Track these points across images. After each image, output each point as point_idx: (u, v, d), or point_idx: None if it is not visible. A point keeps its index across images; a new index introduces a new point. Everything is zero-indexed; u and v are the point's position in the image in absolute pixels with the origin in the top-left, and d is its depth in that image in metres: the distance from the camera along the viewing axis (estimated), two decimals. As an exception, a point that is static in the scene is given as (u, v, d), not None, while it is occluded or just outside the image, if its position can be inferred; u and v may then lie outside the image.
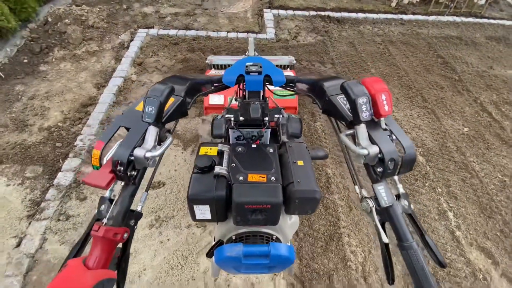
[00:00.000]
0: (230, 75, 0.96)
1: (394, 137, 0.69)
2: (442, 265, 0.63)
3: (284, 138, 1.06)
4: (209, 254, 0.85)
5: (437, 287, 0.57)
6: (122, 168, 0.61)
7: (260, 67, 0.95)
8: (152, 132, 0.66)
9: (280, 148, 0.90)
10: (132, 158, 0.63)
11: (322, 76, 0.92)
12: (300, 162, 0.82)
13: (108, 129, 0.71)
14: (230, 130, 1.00)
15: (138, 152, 0.63)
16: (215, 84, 0.99)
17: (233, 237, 0.82)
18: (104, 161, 0.65)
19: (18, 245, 1.76)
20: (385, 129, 0.69)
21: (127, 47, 3.33)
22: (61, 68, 3.03)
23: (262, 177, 0.77)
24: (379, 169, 0.66)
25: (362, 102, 0.65)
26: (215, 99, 1.89)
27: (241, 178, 0.76)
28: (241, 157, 0.83)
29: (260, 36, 3.67)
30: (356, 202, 2.05)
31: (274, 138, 1.15)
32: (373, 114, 0.68)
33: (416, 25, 4.19)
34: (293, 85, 1.01)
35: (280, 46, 3.52)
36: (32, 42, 3.21)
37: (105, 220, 0.61)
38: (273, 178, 0.77)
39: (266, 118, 0.94)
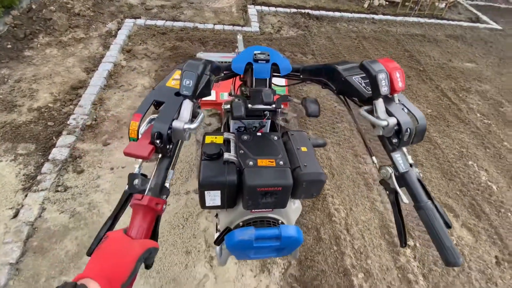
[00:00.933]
0: (239, 63, 0.97)
1: (406, 110, 0.74)
2: (448, 225, 0.68)
3: (282, 125, 1.11)
4: (218, 242, 0.88)
5: (452, 241, 0.63)
6: (161, 140, 0.62)
7: (268, 55, 0.97)
8: (188, 106, 0.67)
9: (283, 136, 0.94)
10: (170, 131, 0.64)
11: (332, 62, 0.97)
12: (303, 149, 0.87)
13: (143, 103, 0.71)
14: (231, 121, 1.03)
15: (177, 124, 0.63)
16: (224, 72, 1.00)
17: (241, 223, 0.84)
18: (140, 135, 0.65)
19: (15, 215, 1.77)
20: (398, 103, 0.74)
21: (115, 36, 3.37)
22: (47, 53, 3.01)
23: (271, 162, 0.80)
24: (395, 140, 0.72)
25: (382, 77, 0.69)
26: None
27: (251, 163, 0.78)
28: (248, 144, 0.86)
29: (246, 29, 3.86)
30: (338, 169, 2.28)
31: (272, 130, 1.19)
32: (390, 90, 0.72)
33: (386, 24, 4.61)
34: (298, 73, 1.04)
35: (265, 38, 3.74)
36: (15, 28, 3.15)
37: (146, 191, 0.62)
38: (281, 162, 0.80)
39: (274, 106, 0.96)
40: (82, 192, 1.92)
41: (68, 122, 2.31)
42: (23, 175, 1.99)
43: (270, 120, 1.05)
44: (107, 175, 2.03)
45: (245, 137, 0.88)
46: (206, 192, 0.75)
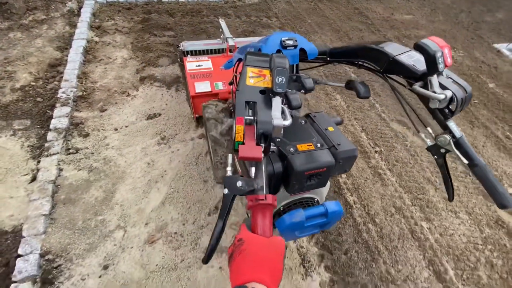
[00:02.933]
0: (269, 51, 0.96)
1: (453, 81, 0.80)
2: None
3: (295, 112, 1.13)
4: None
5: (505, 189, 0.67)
6: (266, 139, 0.65)
7: (295, 41, 0.98)
8: (279, 102, 0.70)
9: (307, 119, 0.98)
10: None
11: (364, 41, 0.95)
12: (330, 128, 0.90)
13: (238, 106, 0.72)
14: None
15: (278, 122, 0.66)
16: None
17: (281, 208, 0.87)
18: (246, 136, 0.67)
19: (33, 180, 1.88)
20: (448, 77, 0.79)
21: (78, 14, 3.32)
22: (11, 37, 2.90)
23: (310, 145, 0.82)
24: (446, 110, 0.78)
25: (439, 55, 0.73)
26: (202, 86, 1.86)
27: (291, 149, 0.80)
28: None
29: (209, -1, 4.01)
30: (315, 107, 2.68)
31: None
32: None
33: (335, -13, 5.04)
34: (325, 56, 1.05)
35: (230, 6, 3.93)
36: (-35, 13, 2.95)
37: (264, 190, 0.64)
38: (318, 144, 0.83)
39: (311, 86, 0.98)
40: (93, 151, 2.07)
41: (58, 96, 2.37)
42: (28, 146, 2.06)
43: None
44: (113, 135, 2.18)
45: None
46: None
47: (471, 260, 1.86)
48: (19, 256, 1.53)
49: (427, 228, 1.96)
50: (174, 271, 1.57)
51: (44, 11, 3.27)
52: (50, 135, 2.09)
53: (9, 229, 1.66)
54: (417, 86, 0.81)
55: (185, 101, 2.51)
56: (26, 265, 1.50)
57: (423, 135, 0.91)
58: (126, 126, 2.25)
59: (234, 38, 2.29)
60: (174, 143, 2.17)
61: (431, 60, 0.76)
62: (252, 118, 0.71)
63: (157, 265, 1.59)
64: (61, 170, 1.94)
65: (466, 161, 0.80)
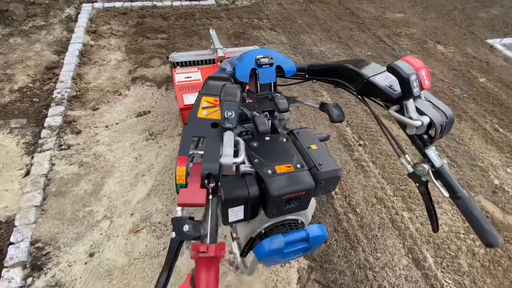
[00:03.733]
0: (243, 70, 0.92)
1: (432, 105, 0.74)
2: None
3: (280, 128, 1.10)
4: (244, 254, 0.86)
5: (491, 224, 0.61)
6: (213, 181, 0.59)
7: (271, 58, 0.93)
8: (231, 138, 0.63)
9: (290, 136, 0.93)
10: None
11: (342, 60, 0.91)
12: (313, 146, 0.85)
13: (183, 143, 0.67)
14: None
15: (227, 161, 0.60)
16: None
17: (263, 231, 0.82)
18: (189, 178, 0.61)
19: (27, 174, 1.98)
20: (425, 100, 0.74)
21: (76, 20, 3.47)
22: (11, 42, 3.05)
23: (289, 167, 0.77)
24: (426, 136, 0.72)
25: (413, 79, 0.68)
26: (190, 98, 1.81)
27: (269, 171, 0.75)
28: (260, 151, 0.83)
29: (203, 3, 4.13)
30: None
31: (272, 129, 1.17)
32: None
33: (328, -11, 5.13)
34: (303, 73, 1.02)
35: (222, 9, 4.05)
36: (-31, 21, 3.12)
37: (196, 241, 0.59)
38: (298, 165, 0.78)
39: (287, 107, 0.95)
40: (84, 147, 2.16)
41: (53, 96, 2.48)
42: (23, 143, 2.17)
43: (270, 120, 1.03)
44: (104, 132, 2.28)
45: (255, 144, 0.85)
46: (230, 209, 0.73)
47: (452, 248, 1.87)
48: (11, 243, 1.62)
49: (408, 217, 1.99)
50: (156, 258, 1.64)
51: (44, 18, 3.43)
52: (44, 133, 2.20)
53: (3, 219, 1.75)
54: (392, 111, 0.75)
55: (174, 99, 2.60)
56: (17, 252, 1.59)
57: (404, 161, 0.84)
58: (117, 124, 2.34)
59: (224, 48, 2.26)
60: (162, 139, 2.26)
61: (405, 84, 0.71)
62: (201, 154, 0.66)
63: (140, 252, 1.66)
64: (53, 165, 2.04)
65: (446, 194, 0.74)
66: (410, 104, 0.71)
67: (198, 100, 0.76)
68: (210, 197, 0.63)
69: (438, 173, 0.74)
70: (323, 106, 0.99)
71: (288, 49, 3.46)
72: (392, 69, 0.72)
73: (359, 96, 0.91)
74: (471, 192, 2.20)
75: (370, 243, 1.83)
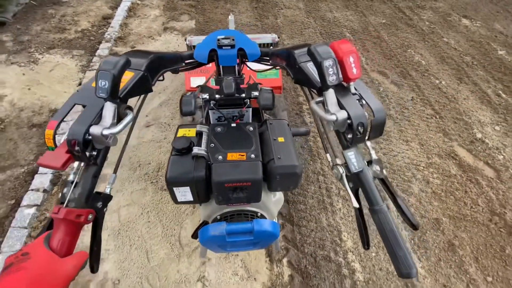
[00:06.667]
0: (201, 50, 0.88)
1: (364, 101, 0.66)
2: (414, 227, 0.63)
3: (266, 116, 1.07)
4: (194, 235, 0.86)
5: (406, 248, 0.57)
6: (78, 148, 0.57)
7: (233, 40, 0.87)
8: (109, 108, 0.62)
9: (261, 126, 0.89)
10: (89, 137, 0.59)
11: (295, 45, 0.85)
12: (280, 139, 0.81)
13: (61, 108, 0.65)
14: (210, 111, 0.98)
15: (95, 130, 0.59)
16: (186, 61, 0.92)
17: (218, 217, 0.82)
18: (62, 141, 0.60)
19: (79, 84, 2.69)
20: (355, 94, 0.66)
21: (129, -15, 4.21)
22: (80, -1, 3.90)
23: (242, 155, 0.75)
24: (349, 135, 0.64)
25: (328, 65, 0.61)
26: (197, 81, 1.81)
27: (220, 157, 0.74)
28: (221, 136, 0.82)
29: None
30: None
31: (257, 118, 1.13)
32: (342, 79, 0.64)
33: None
34: (268, 58, 0.94)
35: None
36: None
37: (66, 202, 0.59)
38: (252, 155, 0.76)
39: (243, 95, 0.92)
40: (120, 71, 2.82)
41: (104, 36, 3.20)
42: (80, 65, 2.90)
43: (251, 108, 1.00)
44: (136, 62, 2.91)
45: (219, 129, 0.84)
46: (175, 188, 0.73)
47: (406, 175, 2.09)
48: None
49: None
50: (158, 143, 2.19)
51: (105, -17, 4.23)
52: (95, 59, 2.91)
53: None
54: (313, 102, 0.66)
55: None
56: (67, 125, 2.27)
57: (329, 160, 0.76)
58: (146, 57, 2.96)
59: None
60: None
61: (319, 71, 0.63)
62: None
63: (148, 139, 2.22)
64: (98, 80, 2.72)
65: (355, 205, 0.66)
66: (329, 95, 0.64)
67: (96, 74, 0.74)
68: (82, 164, 0.63)
69: (357, 179, 0.66)
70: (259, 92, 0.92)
71: (303, 13, 3.77)
72: (309, 53, 0.64)
73: (300, 86, 0.84)
74: (446, 139, 2.34)
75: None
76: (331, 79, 0.62)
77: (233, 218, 0.82)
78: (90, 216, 0.60)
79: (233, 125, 0.87)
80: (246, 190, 0.74)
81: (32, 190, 1.87)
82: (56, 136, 0.61)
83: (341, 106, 0.63)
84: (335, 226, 1.77)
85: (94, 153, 0.62)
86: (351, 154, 0.66)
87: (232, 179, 0.71)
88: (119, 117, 0.63)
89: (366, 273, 1.59)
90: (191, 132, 0.82)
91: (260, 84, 0.95)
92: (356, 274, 1.58)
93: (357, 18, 3.74)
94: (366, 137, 0.64)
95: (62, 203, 0.60)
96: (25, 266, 0.44)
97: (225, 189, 0.72)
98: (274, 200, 0.89)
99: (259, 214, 0.84)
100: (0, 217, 1.78)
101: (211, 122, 1.03)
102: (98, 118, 0.61)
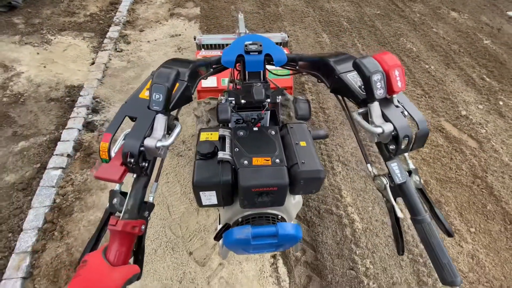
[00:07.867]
0: (229, 55, 0.89)
1: (406, 113, 0.67)
2: (449, 234, 0.63)
3: (283, 118, 1.06)
4: (217, 238, 0.87)
5: (450, 257, 0.57)
6: (133, 160, 0.59)
7: (260, 45, 0.88)
8: (161, 121, 0.64)
9: (281, 130, 0.89)
10: (143, 148, 0.61)
11: (327, 53, 0.84)
12: (302, 143, 0.82)
13: (113, 120, 0.66)
14: None
15: (149, 142, 0.61)
16: (213, 66, 0.94)
17: (240, 219, 0.83)
18: (113, 154, 0.62)
19: (92, 63, 2.82)
20: (397, 106, 0.66)
21: (134, -26, 4.33)
22: (86, -15, 4.00)
23: (267, 160, 0.76)
24: (392, 147, 0.64)
25: (377, 79, 0.62)
26: (208, 82, 1.79)
27: (245, 162, 0.75)
28: (244, 141, 0.83)
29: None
30: (302, 40, 3.25)
31: (273, 120, 1.13)
32: (387, 91, 0.64)
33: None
34: (294, 64, 0.95)
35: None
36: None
37: (121, 214, 0.60)
38: (277, 160, 0.76)
39: (268, 100, 0.92)
40: (132, 52, 2.96)
41: (113, 20, 3.33)
42: (92, 46, 3.03)
43: (269, 111, 1.00)
44: (146, 44, 3.06)
45: (241, 133, 0.85)
46: (201, 192, 0.75)
47: (399, 145, 2.31)
48: (80, 96, 2.44)
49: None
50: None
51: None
52: (105, 41, 3.04)
53: (76, 85, 2.59)
54: (355, 113, 0.67)
55: (198, 30, 3.29)
56: (84, 100, 2.40)
57: (370, 170, 0.75)
58: (155, 40, 3.11)
59: (248, 32, 2.22)
60: (186, 52, 2.97)
61: (366, 84, 0.65)
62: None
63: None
64: (110, 59, 2.86)
65: (400, 215, 0.67)
66: (374, 107, 0.64)
67: (145, 82, 0.74)
68: (134, 175, 0.64)
69: (400, 190, 0.66)
70: (294, 100, 0.93)
71: (302, 3, 3.96)
72: (356, 66, 0.65)
73: (336, 95, 0.85)
74: (434, 115, 2.57)
75: (330, 131, 2.34)
76: (379, 92, 0.63)
77: (255, 221, 0.83)
78: (143, 227, 0.62)
79: (255, 129, 0.88)
80: (271, 194, 0.75)
81: (56, 155, 2.02)
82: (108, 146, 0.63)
83: (386, 119, 0.64)
84: (336, 185, 1.98)
85: (145, 164, 0.64)
86: (395, 166, 0.66)
87: (259, 184, 0.72)
88: (168, 128, 0.66)
89: (364, 223, 1.80)
90: (213, 136, 0.83)
91: (285, 89, 1.00)
92: (355, 224, 1.79)
93: (353, 9, 3.96)
94: (410, 149, 0.66)
95: (112, 213, 0.63)
96: (80, 273, 0.49)
97: (251, 194, 0.73)
98: (294, 203, 0.91)
99: (279, 216, 0.85)
100: (28, 178, 1.92)
101: (229, 124, 1.04)
102: (150, 130, 0.63)
